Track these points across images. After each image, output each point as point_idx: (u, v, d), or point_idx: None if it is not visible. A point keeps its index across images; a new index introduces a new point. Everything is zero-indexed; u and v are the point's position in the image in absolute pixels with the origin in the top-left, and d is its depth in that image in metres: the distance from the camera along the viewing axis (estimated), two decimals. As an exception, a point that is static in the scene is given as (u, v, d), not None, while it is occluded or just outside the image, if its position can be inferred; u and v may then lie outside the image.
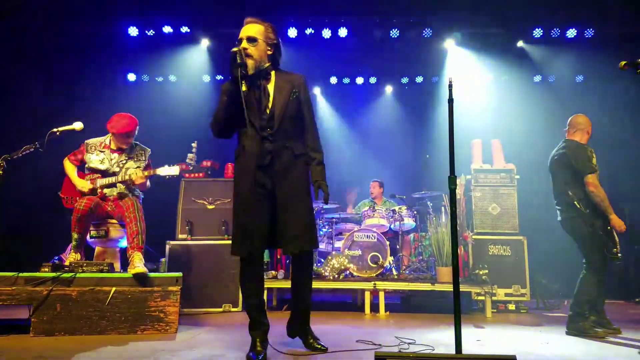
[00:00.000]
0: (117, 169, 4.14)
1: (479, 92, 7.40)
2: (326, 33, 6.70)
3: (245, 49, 2.64)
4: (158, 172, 4.13)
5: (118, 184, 4.07)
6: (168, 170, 4.12)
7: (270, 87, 2.73)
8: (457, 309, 2.31)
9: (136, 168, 4.17)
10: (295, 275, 2.88)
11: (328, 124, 8.20)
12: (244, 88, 2.58)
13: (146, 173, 4.11)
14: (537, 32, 6.63)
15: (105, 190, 4.09)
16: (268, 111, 2.69)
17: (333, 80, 7.72)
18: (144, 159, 4.27)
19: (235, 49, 2.57)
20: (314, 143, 2.83)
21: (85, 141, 4.23)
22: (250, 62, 2.64)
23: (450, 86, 2.50)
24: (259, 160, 2.64)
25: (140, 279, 3.54)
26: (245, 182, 2.65)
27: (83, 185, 4.08)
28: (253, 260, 2.71)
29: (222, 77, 7.56)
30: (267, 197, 2.68)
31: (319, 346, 2.88)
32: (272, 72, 2.77)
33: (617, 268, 6.14)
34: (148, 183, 4.28)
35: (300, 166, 2.76)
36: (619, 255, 3.53)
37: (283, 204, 2.67)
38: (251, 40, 2.68)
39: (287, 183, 2.68)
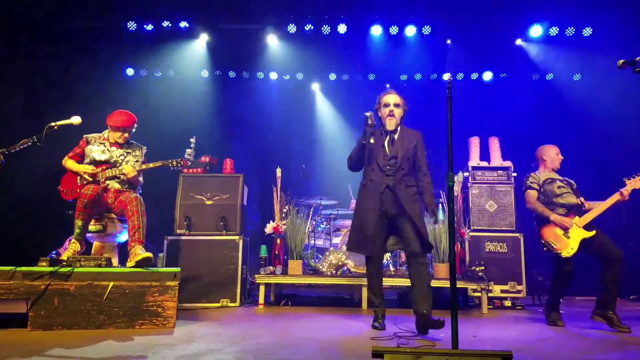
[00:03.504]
0: (119, 160, 4.22)
1: (476, 89, 7.41)
2: (325, 29, 6.70)
3: (391, 111, 3.66)
4: (151, 165, 4.23)
5: (121, 176, 4.15)
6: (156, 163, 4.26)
7: (396, 137, 3.70)
8: (454, 305, 2.33)
9: (135, 162, 4.26)
10: (411, 272, 3.55)
11: (327, 121, 8.19)
12: (371, 141, 3.56)
13: (140, 167, 4.21)
14: (536, 30, 6.64)
15: (107, 182, 4.15)
16: (391, 154, 3.63)
17: (332, 76, 7.70)
18: (140, 154, 4.36)
19: (368, 113, 3.53)
20: (426, 172, 3.73)
21: (85, 135, 4.31)
22: (393, 121, 3.67)
23: (448, 84, 2.51)
24: (380, 189, 3.58)
25: (145, 264, 3.61)
26: (370, 203, 3.59)
27: (86, 169, 4.12)
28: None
29: (221, 72, 7.55)
30: (384, 215, 3.59)
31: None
32: (399, 128, 3.74)
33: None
34: (141, 178, 4.35)
35: (413, 194, 3.62)
36: (545, 248, 4.03)
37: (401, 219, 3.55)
38: (397, 105, 3.69)
39: (401, 205, 3.53)
